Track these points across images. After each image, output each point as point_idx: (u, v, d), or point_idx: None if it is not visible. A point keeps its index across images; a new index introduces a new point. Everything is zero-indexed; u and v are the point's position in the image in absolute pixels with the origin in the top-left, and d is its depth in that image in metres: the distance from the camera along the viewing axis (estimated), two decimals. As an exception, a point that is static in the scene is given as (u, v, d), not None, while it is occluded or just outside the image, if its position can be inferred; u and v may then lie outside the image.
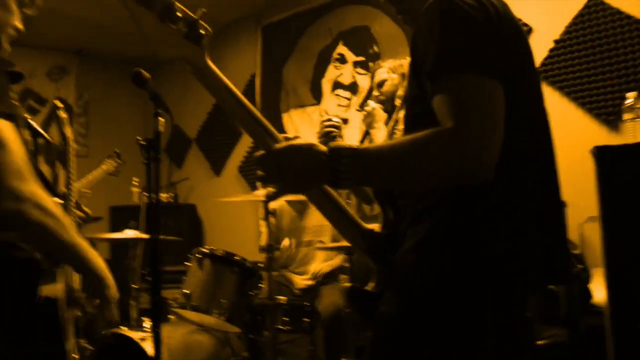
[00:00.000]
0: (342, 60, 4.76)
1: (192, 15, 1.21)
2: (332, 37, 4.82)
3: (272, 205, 2.98)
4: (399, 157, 1.10)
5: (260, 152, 1.23)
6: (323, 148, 1.15)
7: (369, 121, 2.71)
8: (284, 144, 1.19)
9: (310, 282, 3.59)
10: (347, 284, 1.45)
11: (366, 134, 2.60)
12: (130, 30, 5.53)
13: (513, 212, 1.15)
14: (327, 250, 3.49)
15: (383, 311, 1.25)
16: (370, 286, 1.41)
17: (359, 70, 4.64)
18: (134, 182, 5.55)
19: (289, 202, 3.59)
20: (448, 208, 1.17)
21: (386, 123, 2.67)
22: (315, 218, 3.65)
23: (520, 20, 3.43)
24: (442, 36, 1.11)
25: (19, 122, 1.37)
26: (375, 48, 4.54)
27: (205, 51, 1.23)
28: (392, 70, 2.70)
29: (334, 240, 3.54)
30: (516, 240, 1.14)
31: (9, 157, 1.23)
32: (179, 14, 1.19)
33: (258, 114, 1.30)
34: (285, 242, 3.76)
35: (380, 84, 2.70)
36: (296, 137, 1.23)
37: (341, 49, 4.77)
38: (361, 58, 4.63)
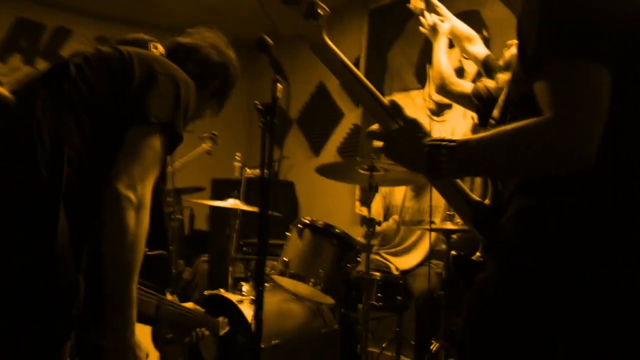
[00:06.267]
0: (450, 44, 4.66)
1: None
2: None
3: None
4: (497, 151, 1.12)
5: (373, 128, 1.31)
6: (427, 139, 1.20)
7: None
8: (393, 130, 1.27)
9: (414, 264, 3.57)
10: (453, 252, 1.45)
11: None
12: (239, 11, 5.72)
13: (628, 195, 1.09)
14: (436, 231, 3.41)
15: (481, 278, 1.24)
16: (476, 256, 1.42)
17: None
18: (236, 157, 5.75)
19: (410, 182, 3.51)
20: (556, 180, 1.13)
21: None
22: (433, 198, 3.59)
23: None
24: (544, 16, 1.08)
25: None
26: (485, 33, 4.42)
27: (323, 28, 1.31)
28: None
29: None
30: (630, 221, 1.08)
31: (145, 163, 1.41)
32: None
33: (372, 87, 1.35)
34: (391, 221, 3.73)
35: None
36: (409, 120, 1.27)
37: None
38: (469, 43, 4.53)
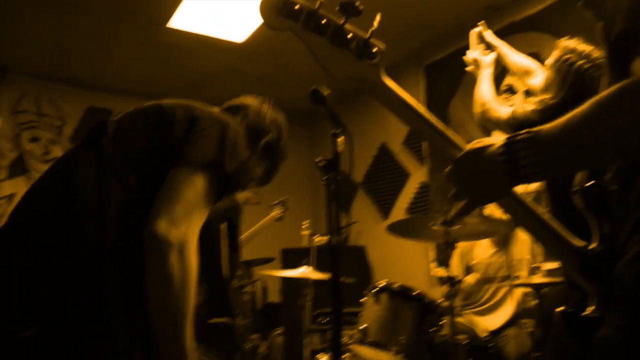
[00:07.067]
0: (511, 91, 4.51)
1: (363, 34, 1.18)
2: (499, 69, 4.63)
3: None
4: (582, 122, 0.94)
5: (449, 169, 1.16)
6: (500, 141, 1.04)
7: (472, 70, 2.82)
8: (461, 153, 1.12)
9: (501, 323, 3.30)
10: (560, 308, 1.27)
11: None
12: (289, 79, 5.77)
13: None
14: (524, 286, 3.17)
15: (605, 335, 1.05)
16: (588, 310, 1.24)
17: (530, 99, 4.39)
18: (303, 225, 5.68)
19: (490, 234, 3.28)
20: None
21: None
22: (517, 251, 3.40)
23: None
24: None
25: None
26: (547, 74, 4.28)
27: (380, 67, 1.20)
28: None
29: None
30: None
31: (185, 202, 1.28)
32: (349, 36, 1.17)
33: (440, 125, 1.23)
34: (470, 278, 3.51)
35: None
36: (479, 142, 1.12)
37: (509, 79, 4.55)
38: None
